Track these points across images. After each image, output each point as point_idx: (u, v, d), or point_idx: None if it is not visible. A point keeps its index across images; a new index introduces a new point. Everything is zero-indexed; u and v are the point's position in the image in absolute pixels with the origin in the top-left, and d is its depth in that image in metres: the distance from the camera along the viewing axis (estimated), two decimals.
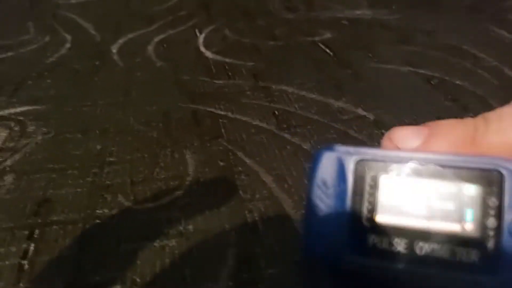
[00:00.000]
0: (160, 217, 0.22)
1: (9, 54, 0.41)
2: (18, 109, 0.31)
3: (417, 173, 0.15)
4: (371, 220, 0.15)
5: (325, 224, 0.15)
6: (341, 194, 0.15)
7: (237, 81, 0.34)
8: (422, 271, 0.14)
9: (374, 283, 0.16)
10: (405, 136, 0.18)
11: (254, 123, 0.29)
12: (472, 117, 0.27)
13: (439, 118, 0.31)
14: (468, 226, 0.14)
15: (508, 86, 0.33)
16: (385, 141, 0.19)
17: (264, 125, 0.29)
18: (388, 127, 0.29)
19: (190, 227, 0.21)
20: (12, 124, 0.30)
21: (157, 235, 0.21)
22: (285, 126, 0.29)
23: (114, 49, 0.43)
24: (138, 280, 0.19)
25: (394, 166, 0.15)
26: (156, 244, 0.20)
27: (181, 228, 0.21)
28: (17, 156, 0.26)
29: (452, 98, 0.31)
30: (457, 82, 0.33)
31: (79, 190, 0.24)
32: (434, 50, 0.39)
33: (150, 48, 0.42)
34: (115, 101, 0.32)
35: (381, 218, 0.15)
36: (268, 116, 0.30)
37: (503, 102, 0.26)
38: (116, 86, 0.34)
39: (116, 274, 0.19)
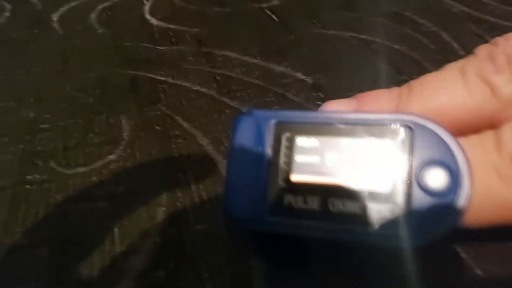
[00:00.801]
0: (91, 180, 0.22)
1: None
2: None
3: (330, 132, 0.16)
4: (287, 180, 0.15)
5: (244, 187, 0.16)
6: (259, 157, 0.16)
7: (180, 47, 0.34)
8: (335, 227, 0.14)
9: (292, 242, 0.16)
10: (336, 108, 0.19)
11: (195, 88, 0.29)
12: (406, 79, 0.28)
13: (375, 81, 0.32)
14: (379, 181, 0.15)
15: (444, 50, 0.34)
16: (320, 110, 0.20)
17: (204, 90, 0.29)
18: (325, 90, 0.30)
19: (121, 189, 0.21)
20: None
21: (87, 198, 0.21)
22: (225, 90, 0.29)
23: (54, 17, 0.41)
24: (66, 240, 0.19)
25: (309, 127, 0.16)
26: (86, 206, 0.20)
27: (112, 190, 0.21)
28: None
29: (389, 62, 0.32)
30: (396, 46, 0.34)
31: (9, 157, 0.23)
32: (377, 16, 0.39)
33: (93, 15, 0.41)
34: (52, 69, 0.31)
35: (296, 177, 0.15)
36: (209, 81, 0.30)
37: (438, 66, 0.28)
38: (54, 54, 0.33)
39: (45, 236, 0.19)
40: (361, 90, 0.28)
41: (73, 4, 0.44)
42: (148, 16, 0.41)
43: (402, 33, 0.36)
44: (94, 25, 0.39)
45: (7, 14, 0.42)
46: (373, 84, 0.29)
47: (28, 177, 0.22)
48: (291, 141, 0.16)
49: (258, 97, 0.28)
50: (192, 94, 0.29)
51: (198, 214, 0.20)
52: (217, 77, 0.30)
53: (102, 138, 0.24)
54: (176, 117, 0.26)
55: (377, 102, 0.18)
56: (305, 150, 0.16)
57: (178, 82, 0.30)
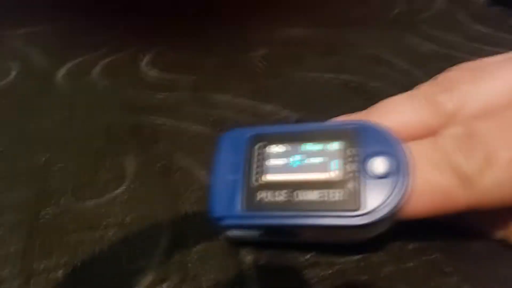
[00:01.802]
0: (100, 212, 0.24)
1: None
2: None
3: (294, 139, 0.19)
4: (259, 180, 0.19)
5: (224, 191, 0.19)
6: (237, 165, 0.19)
7: (177, 93, 0.37)
8: (299, 213, 0.17)
9: (265, 231, 0.19)
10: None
11: (191, 128, 0.32)
12: None
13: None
14: (334, 173, 0.18)
15: (416, 84, 0.37)
16: None
17: (199, 129, 0.32)
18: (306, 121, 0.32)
19: (128, 218, 0.23)
20: None
21: (97, 227, 0.23)
22: (219, 129, 0.31)
23: (60, 74, 0.45)
24: (79, 264, 0.21)
25: (278, 136, 0.19)
26: (96, 234, 0.22)
27: (119, 220, 0.23)
28: None
29: (366, 97, 0.35)
30: (372, 84, 0.37)
31: (25, 195, 0.26)
32: (355, 59, 0.43)
33: (95, 71, 0.45)
34: (59, 120, 0.34)
35: (266, 178, 0.19)
36: (204, 122, 0.33)
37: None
38: (60, 107, 0.37)
39: (59, 261, 0.21)
40: None
41: (76, 61, 0.48)
42: (145, 69, 0.45)
43: (378, 73, 0.40)
44: (97, 80, 0.42)
45: (14, 73, 0.46)
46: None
47: (43, 212, 0.24)
48: (263, 149, 0.19)
49: None
50: (189, 133, 0.31)
51: (196, 237, 0.22)
52: (211, 118, 0.33)
53: (109, 176, 0.27)
54: (175, 154, 0.29)
55: None
56: (275, 155, 0.19)
57: (176, 124, 0.33)
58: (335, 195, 0.17)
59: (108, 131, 0.32)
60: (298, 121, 0.32)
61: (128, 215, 0.24)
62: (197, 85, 0.39)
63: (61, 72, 0.45)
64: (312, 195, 0.17)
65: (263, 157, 0.19)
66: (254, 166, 0.19)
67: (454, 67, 0.20)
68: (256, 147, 0.19)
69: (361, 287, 0.19)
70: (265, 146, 0.19)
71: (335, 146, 0.18)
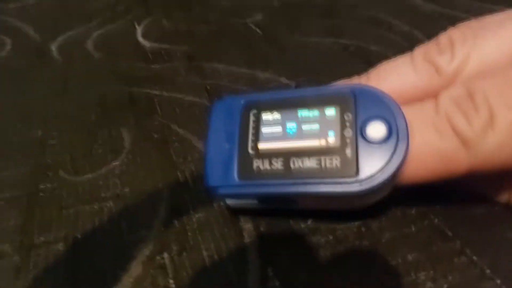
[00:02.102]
0: (98, 184, 0.24)
1: None
2: None
3: (290, 105, 0.19)
4: (255, 148, 0.18)
5: (219, 159, 0.19)
6: (231, 132, 0.19)
7: (172, 63, 0.37)
8: (296, 182, 0.17)
9: (263, 200, 0.19)
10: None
11: (187, 98, 0.31)
12: None
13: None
14: (331, 139, 0.17)
15: (416, 46, 0.37)
16: None
17: (196, 99, 0.31)
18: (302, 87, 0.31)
19: (127, 189, 0.23)
20: None
21: (96, 199, 0.23)
22: (215, 98, 0.31)
23: (53, 47, 0.44)
24: (79, 236, 0.21)
25: (272, 103, 0.19)
26: (95, 206, 0.22)
27: (118, 191, 0.23)
28: None
29: (366, 61, 0.34)
30: (372, 47, 0.36)
31: (22, 170, 0.26)
32: (354, 21, 0.42)
33: (89, 42, 0.44)
34: (54, 92, 0.34)
35: (262, 145, 0.18)
36: (200, 92, 0.32)
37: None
38: (55, 79, 0.36)
39: (59, 234, 0.21)
40: None
41: (69, 33, 0.47)
42: (141, 39, 0.44)
43: (378, 35, 0.39)
44: (91, 51, 0.41)
45: (8, 47, 0.45)
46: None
47: (41, 186, 0.24)
48: (257, 116, 0.19)
49: None
50: (186, 104, 0.31)
51: (195, 205, 0.22)
52: (208, 87, 0.33)
53: (106, 148, 0.27)
54: (172, 125, 0.29)
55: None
56: (270, 122, 0.18)
57: (172, 95, 0.32)
58: (332, 162, 0.17)
59: (103, 103, 0.32)
60: (296, 87, 0.31)
61: (126, 186, 0.24)
62: (192, 55, 0.39)
63: (55, 44, 0.44)
64: (309, 163, 0.17)
65: (258, 125, 0.18)
66: (249, 134, 0.18)
67: (455, 27, 0.20)
68: (251, 114, 0.19)
69: (362, 253, 0.19)
70: (259, 113, 0.19)
71: (331, 111, 0.18)
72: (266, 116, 0.19)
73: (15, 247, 0.21)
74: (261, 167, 0.18)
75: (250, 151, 0.18)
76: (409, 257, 0.18)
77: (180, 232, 0.21)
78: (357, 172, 0.16)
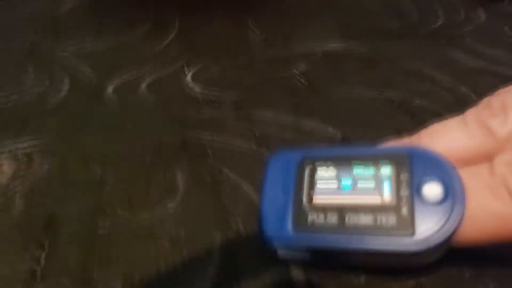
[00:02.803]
0: (155, 225, 0.25)
1: (13, 97, 0.45)
2: (25, 144, 0.35)
3: (345, 162, 0.19)
4: (310, 202, 0.19)
5: (275, 211, 0.19)
6: (287, 186, 0.20)
7: (222, 110, 0.38)
8: (350, 238, 0.18)
9: (316, 253, 0.19)
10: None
11: (237, 144, 0.33)
12: None
13: (399, 132, 0.35)
14: (386, 197, 0.18)
15: (463, 102, 0.37)
16: None
17: (245, 145, 0.32)
18: (354, 143, 0.32)
19: (181, 232, 0.24)
20: (20, 156, 0.33)
21: (152, 240, 0.24)
22: (264, 145, 0.32)
23: (109, 89, 0.47)
24: (136, 276, 0.22)
25: (328, 159, 0.20)
26: (151, 247, 0.23)
27: (172, 232, 0.24)
28: (26, 183, 0.30)
29: (411, 115, 0.35)
30: (416, 101, 0.37)
31: (82, 207, 0.27)
32: (396, 75, 0.43)
33: (143, 86, 0.46)
34: (111, 134, 0.36)
35: (317, 200, 0.19)
36: (249, 137, 0.33)
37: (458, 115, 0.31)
38: (112, 121, 0.38)
39: (118, 272, 0.22)
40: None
41: (124, 77, 0.50)
42: (191, 85, 0.46)
43: (422, 89, 0.39)
44: (145, 95, 0.44)
45: (66, 87, 0.48)
46: (397, 136, 0.32)
47: (100, 224, 0.26)
48: (313, 171, 0.20)
49: None
50: (236, 148, 0.32)
51: (248, 253, 0.23)
52: (256, 134, 0.34)
53: (161, 189, 0.28)
54: (223, 169, 0.30)
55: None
56: (325, 178, 0.19)
57: (223, 140, 0.34)
58: (388, 219, 0.17)
59: (158, 146, 0.34)
60: (343, 138, 0.32)
61: (181, 228, 0.25)
62: (240, 101, 0.40)
63: (110, 88, 0.47)
64: (365, 219, 0.18)
65: (314, 179, 0.19)
66: (305, 188, 0.19)
67: (505, 90, 0.20)
68: (307, 169, 0.20)
69: None
70: (315, 168, 0.20)
71: (387, 170, 0.18)
72: (322, 171, 0.19)
73: (76, 283, 0.22)
74: (316, 220, 0.18)
75: (305, 204, 0.19)
76: None
77: (233, 280, 0.21)
78: (413, 231, 0.17)
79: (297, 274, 0.21)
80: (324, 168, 0.20)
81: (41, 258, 0.23)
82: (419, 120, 0.34)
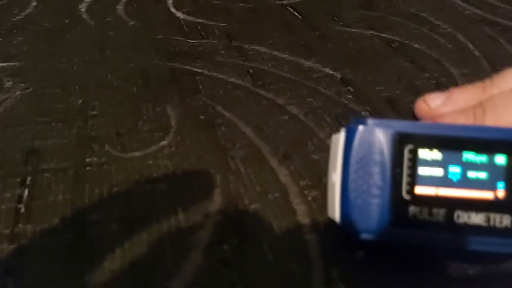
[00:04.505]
0: (148, 164, 0.23)
1: None
2: None
3: (452, 145, 0.16)
4: (411, 192, 0.16)
5: (365, 198, 0.16)
6: (380, 169, 0.16)
7: (210, 40, 0.36)
8: (460, 239, 0.15)
9: (415, 252, 0.17)
10: (433, 101, 0.22)
11: (230, 80, 0.31)
12: (428, 76, 0.31)
13: (399, 77, 0.34)
14: (500, 193, 0.15)
15: (461, 50, 0.36)
16: (419, 102, 0.23)
17: (240, 82, 0.30)
18: (353, 85, 0.31)
19: (178, 172, 0.23)
20: None
21: (147, 180, 0.22)
22: (260, 83, 0.30)
23: (82, 8, 0.42)
24: (133, 218, 0.20)
25: (431, 139, 0.16)
26: (147, 187, 0.22)
27: (169, 173, 0.23)
28: None
29: (410, 59, 0.34)
30: (415, 45, 0.36)
31: (65, 141, 0.25)
32: (395, 16, 0.41)
33: (120, 7, 0.42)
34: (91, 58, 0.33)
35: (420, 190, 0.16)
36: (243, 74, 0.31)
37: (457, 65, 0.30)
38: (90, 44, 0.35)
39: (113, 214, 0.21)
40: (387, 86, 0.30)
41: None
42: (173, 10, 0.42)
43: (420, 33, 0.38)
44: (124, 17, 0.40)
45: (34, 3, 0.43)
46: (397, 81, 0.31)
47: (87, 159, 0.24)
48: (414, 153, 0.16)
49: (292, 90, 0.30)
50: (229, 85, 0.30)
51: (251, 196, 0.22)
52: (250, 70, 0.32)
53: (152, 125, 0.26)
54: (217, 107, 0.28)
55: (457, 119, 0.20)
56: (428, 163, 0.16)
57: (214, 74, 0.31)
58: (503, 220, 0.15)
59: (144, 75, 0.31)
60: (342, 79, 0.31)
61: (178, 168, 0.23)
62: (230, 33, 0.37)
63: (84, 5, 0.43)
64: (476, 219, 0.15)
65: (415, 164, 0.16)
66: (404, 174, 0.16)
67: None
68: (405, 150, 0.16)
69: None
70: (416, 150, 0.16)
71: (501, 159, 0.15)
72: (424, 154, 0.16)
73: (67, 224, 0.20)
74: (419, 215, 0.16)
75: (405, 195, 0.16)
76: None
77: (238, 222, 0.20)
78: None
79: (302, 216, 0.20)
80: (426, 150, 0.16)
81: (23, 196, 0.21)
82: (419, 65, 0.33)
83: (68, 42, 0.36)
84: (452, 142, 0.16)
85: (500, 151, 0.15)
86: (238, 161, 0.24)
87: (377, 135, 0.16)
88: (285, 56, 0.34)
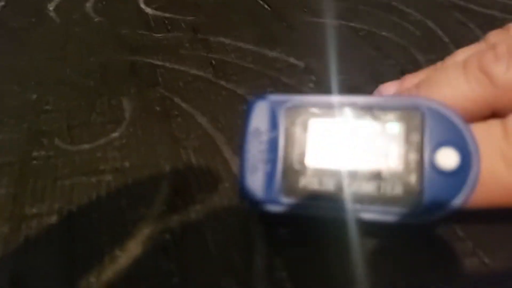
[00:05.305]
0: (96, 156, 0.23)
1: None
2: None
3: (344, 116, 0.16)
4: (302, 163, 0.16)
5: (259, 169, 0.16)
6: (273, 141, 0.16)
7: (176, 34, 0.35)
8: (350, 207, 0.15)
9: (306, 222, 0.17)
10: (389, 88, 0.21)
11: (192, 72, 0.30)
12: (394, 63, 0.30)
13: (364, 65, 0.33)
14: (392, 162, 0.15)
15: (429, 37, 0.36)
16: (375, 93, 0.23)
17: (201, 73, 0.30)
18: (316, 74, 0.31)
19: (126, 163, 0.22)
20: None
21: (93, 172, 0.22)
22: (221, 74, 0.30)
23: (51, 7, 0.42)
24: (74, 210, 0.20)
25: (322, 111, 0.16)
26: (92, 179, 0.21)
27: (117, 165, 0.22)
28: None
29: (377, 47, 0.33)
30: (383, 33, 0.35)
31: (16, 135, 0.24)
32: (365, 5, 0.41)
33: (88, 4, 0.42)
34: (52, 55, 0.32)
35: (311, 161, 0.16)
36: (205, 66, 0.31)
37: (423, 51, 0.30)
38: (53, 41, 0.34)
39: (53, 206, 0.20)
40: (351, 74, 0.29)
41: None
42: (142, 6, 0.42)
43: (390, 22, 0.37)
44: (91, 14, 0.40)
45: (2, 3, 0.43)
46: (361, 68, 0.31)
47: (35, 153, 0.23)
48: (305, 125, 0.16)
49: (253, 80, 0.29)
50: (189, 77, 0.30)
51: (200, 185, 0.21)
52: (213, 62, 0.31)
53: (105, 118, 0.25)
54: (175, 99, 0.27)
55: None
56: (319, 134, 0.16)
57: (176, 67, 0.31)
58: (394, 189, 0.15)
59: (103, 69, 0.30)
60: (306, 68, 0.30)
61: (126, 160, 0.22)
62: (196, 26, 0.37)
63: (52, 4, 0.42)
64: (366, 187, 0.15)
65: (306, 135, 0.16)
66: (296, 144, 0.16)
67: (506, 29, 0.18)
68: (297, 121, 0.16)
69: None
70: (307, 121, 0.16)
71: (395, 128, 0.15)
72: (315, 125, 0.16)
73: (5, 217, 0.20)
74: (309, 185, 0.16)
75: (297, 165, 0.16)
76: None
77: (183, 212, 0.20)
78: (421, 204, 0.14)
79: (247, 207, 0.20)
80: (318, 120, 0.16)
81: None
82: (385, 53, 0.32)
83: (31, 40, 0.35)
84: (343, 111, 0.16)
85: (392, 120, 0.15)
86: (190, 151, 0.23)
87: (273, 109, 0.17)
88: (249, 47, 0.33)
